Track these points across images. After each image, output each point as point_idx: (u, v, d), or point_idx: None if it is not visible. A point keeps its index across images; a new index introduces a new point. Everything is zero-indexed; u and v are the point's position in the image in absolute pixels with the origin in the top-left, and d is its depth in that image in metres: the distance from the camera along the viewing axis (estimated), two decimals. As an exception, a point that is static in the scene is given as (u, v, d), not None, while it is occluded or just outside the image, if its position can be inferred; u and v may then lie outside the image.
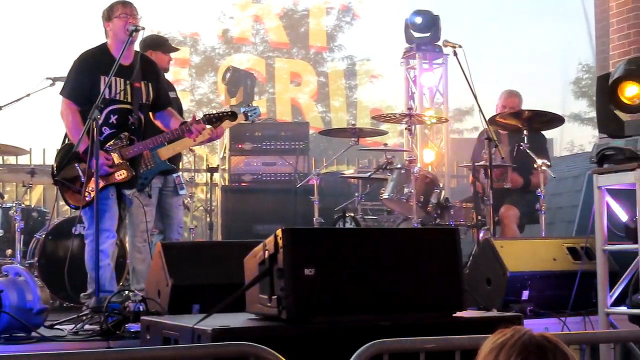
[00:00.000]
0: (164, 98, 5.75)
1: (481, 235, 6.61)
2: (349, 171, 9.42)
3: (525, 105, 7.32)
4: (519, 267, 5.54)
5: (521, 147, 6.68)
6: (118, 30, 5.44)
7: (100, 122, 5.15)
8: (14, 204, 7.01)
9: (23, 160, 10.01)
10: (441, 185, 7.29)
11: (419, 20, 10.10)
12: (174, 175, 6.40)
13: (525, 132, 6.68)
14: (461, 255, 4.09)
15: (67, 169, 5.43)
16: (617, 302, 5.21)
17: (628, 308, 5.14)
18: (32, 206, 8.51)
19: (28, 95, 7.12)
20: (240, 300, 3.99)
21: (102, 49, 5.54)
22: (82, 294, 5.47)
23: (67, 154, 5.39)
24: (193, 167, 10.59)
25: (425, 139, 10.07)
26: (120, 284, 6.45)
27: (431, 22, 10.12)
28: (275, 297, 3.71)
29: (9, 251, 7.09)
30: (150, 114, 5.65)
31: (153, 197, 6.12)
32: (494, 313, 4.81)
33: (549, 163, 6.75)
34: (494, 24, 20.37)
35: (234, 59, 18.84)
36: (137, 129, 5.49)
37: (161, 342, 3.87)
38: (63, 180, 5.45)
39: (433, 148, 10.13)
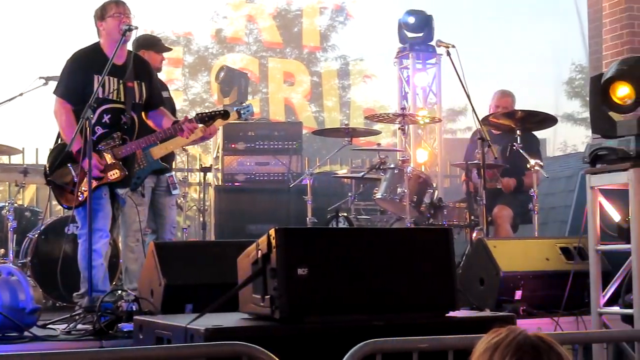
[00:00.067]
0: (157, 98, 5.74)
1: (474, 235, 6.61)
2: (342, 171, 9.42)
3: (519, 106, 7.33)
4: (512, 267, 5.54)
5: (514, 147, 6.70)
6: (111, 30, 5.43)
7: (93, 121, 5.12)
8: (7, 204, 6.98)
9: (16, 159, 9.97)
10: (434, 185, 7.28)
11: (412, 20, 10.09)
12: (167, 174, 6.39)
13: (518, 132, 6.70)
14: (454, 255, 4.09)
15: (60, 172, 5.42)
16: (610, 302, 5.21)
17: (621, 308, 5.14)
18: (25, 206, 8.50)
19: (21, 94, 7.10)
20: (233, 300, 3.98)
21: (95, 48, 5.53)
22: (74, 294, 5.47)
23: (60, 154, 5.38)
24: (186, 167, 10.55)
25: (418, 139, 10.07)
26: (113, 283, 6.43)
27: (424, 22, 10.11)
28: (268, 296, 3.70)
29: (1, 251, 7.06)
30: (143, 113, 5.65)
31: (146, 197, 6.12)
32: (487, 313, 4.80)
33: (541, 163, 6.76)
34: (487, 25, 20.44)
35: (227, 58, 18.83)
36: (130, 129, 5.48)
37: (154, 342, 3.86)
38: (56, 182, 5.44)
39: (426, 148, 10.11)
